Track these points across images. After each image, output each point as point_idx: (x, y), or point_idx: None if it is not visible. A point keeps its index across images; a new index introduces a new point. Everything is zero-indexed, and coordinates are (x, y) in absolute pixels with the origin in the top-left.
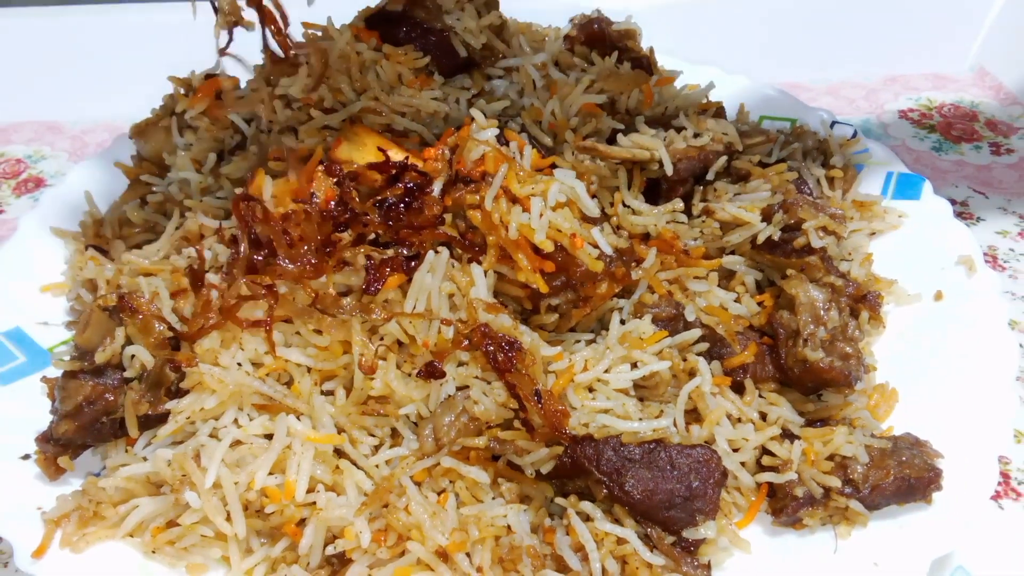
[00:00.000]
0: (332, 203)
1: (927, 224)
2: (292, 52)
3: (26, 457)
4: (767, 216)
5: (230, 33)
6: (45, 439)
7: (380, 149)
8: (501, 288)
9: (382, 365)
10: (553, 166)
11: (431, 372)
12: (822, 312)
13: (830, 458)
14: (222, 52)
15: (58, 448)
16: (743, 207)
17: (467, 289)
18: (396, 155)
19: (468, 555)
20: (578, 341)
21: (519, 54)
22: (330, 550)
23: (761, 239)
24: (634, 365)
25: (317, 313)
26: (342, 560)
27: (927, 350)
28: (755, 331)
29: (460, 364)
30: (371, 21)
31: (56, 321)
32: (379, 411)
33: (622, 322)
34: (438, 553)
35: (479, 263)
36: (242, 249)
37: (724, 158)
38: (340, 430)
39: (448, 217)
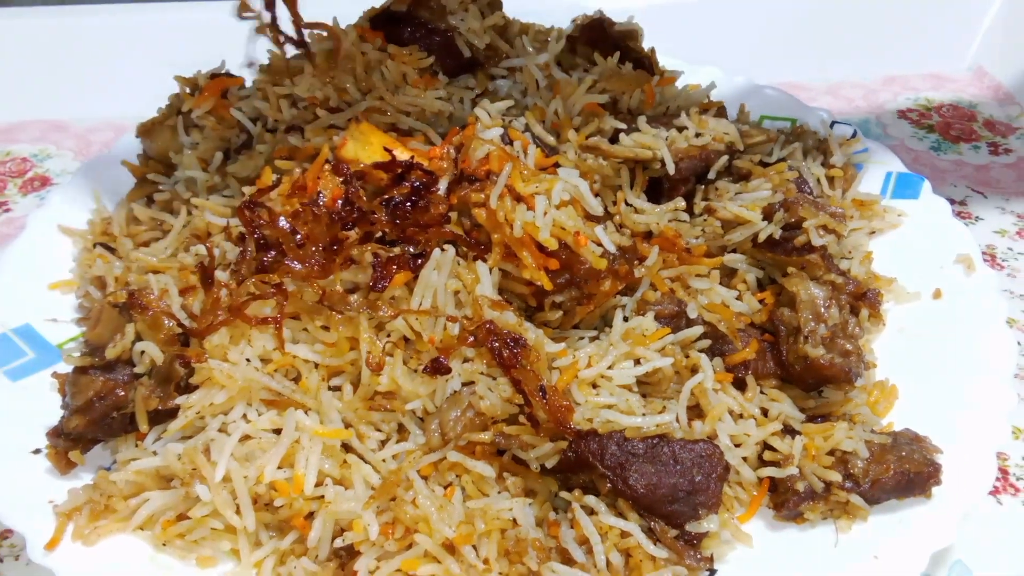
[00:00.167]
0: (339, 202)
1: (926, 223)
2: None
3: (37, 452)
4: (768, 215)
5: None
6: (56, 434)
7: (386, 149)
8: (506, 285)
9: (389, 361)
10: (556, 165)
11: (437, 368)
12: (822, 309)
13: (831, 453)
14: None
15: (69, 443)
16: (744, 206)
17: (472, 286)
18: (402, 154)
19: (475, 547)
20: (582, 338)
21: (522, 54)
22: (338, 543)
23: (762, 237)
24: (637, 361)
25: (325, 310)
26: (350, 552)
27: (926, 347)
28: (756, 328)
29: (466, 360)
30: (376, 21)
31: (65, 318)
32: (386, 406)
33: (625, 319)
34: (445, 545)
35: (484, 261)
36: (249, 252)
37: (725, 157)
38: (347, 425)
39: (454, 215)
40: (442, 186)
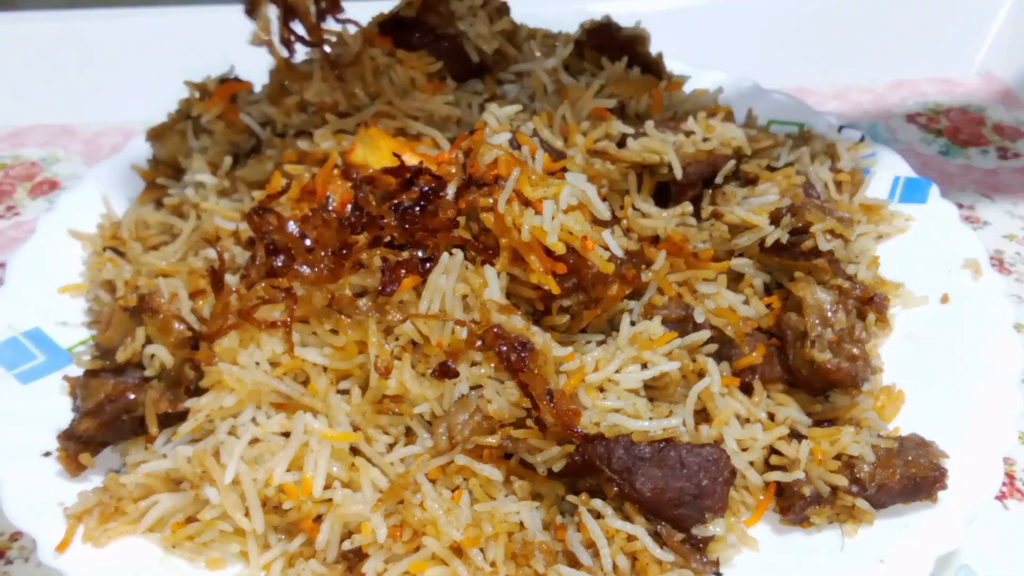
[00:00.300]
0: (348, 206)
1: (934, 228)
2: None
3: (47, 454)
4: (775, 219)
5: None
6: (67, 436)
7: (395, 154)
8: (514, 289)
9: (397, 365)
10: (564, 170)
11: (445, 372)
12: (829, 314)
13: (837, 457)
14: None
15: (79, 445)
16: (752, 210)
17: (480, 290)
18: (411, 159)
19: (482, 550)
20: (589, 342)
21: (530, 59)
22: (346, 545)
23: (769, 242)
24: (644, 366)
25: (334, 314)
26: (358, 555)
27: (933, 352)
28: (763, 333)
29: (473, 364)
30: (385, 27)
31: (74, 321)
32: (394, 410)
33: (632, 323)
34: (453, 548)
35: (492, 265)
36: (258, 257)
37: (733, 162)
38: (356, 428)
39: (462, 220)
40: (450, 191)
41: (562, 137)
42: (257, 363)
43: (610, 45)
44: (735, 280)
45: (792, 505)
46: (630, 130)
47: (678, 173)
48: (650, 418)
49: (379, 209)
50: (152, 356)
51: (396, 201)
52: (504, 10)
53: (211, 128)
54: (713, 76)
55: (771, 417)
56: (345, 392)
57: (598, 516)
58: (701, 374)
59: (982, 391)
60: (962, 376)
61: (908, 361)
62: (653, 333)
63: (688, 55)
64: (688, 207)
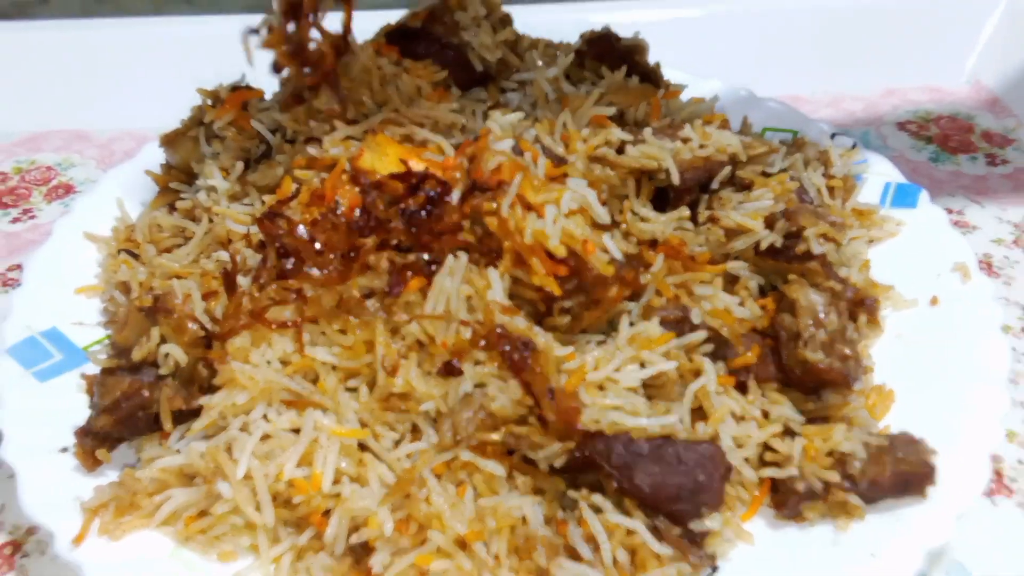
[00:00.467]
0: (356, 211)
1: (924, 232)
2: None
3: (64, 450)
4: (770, 224)
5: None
6: (84, 433)
7: (401, 160)
8: (516, 291)
9: (403, 364)
10: (565, 175)
11: (450, 370)
12: (822, 315)
13: (830, 454)
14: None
15: (96, 441)
16: (747, 215)
17: (484, 292)
18: (417, 165)
19: (486, 544)
20: (589, 342)
21: (532, 68)
22: (354, 539)
23: (764, 245)
24: (643, 365)
25: (342, 314)
26: (365, 548)
27: (923, 353)
28: (758, 333)
29: (477, 363)
30: (391, 37)
31: (90, 321)
32: (401, 407)
33: (631, 324)
34: (457, 542)
35: (496, 267)
36: (269, 260)
37: (728, 168)
38: (364, 425)
39: (466, 224)
40: (455, 195)
41: (563, 144)
42: (268, 362)
43: (610, 55)
44: (731, 282)
45: (786, 500)
46: (629, 137)
47: (676, 179)
48: (648, 416)
49: (386, 213)
50: (167, 355)
51: (403, 205)
52: (507, 21)
53: (223, 134)
54: (709, 85)
55: (765, 415)
56: (353, 390)
57: (598, 511)
58: (698, 373)
59: (970, 391)
60: (951, 376)
61: (898, 362)
62: (651, 333)
63: (685, 64)
64: (685, 212)
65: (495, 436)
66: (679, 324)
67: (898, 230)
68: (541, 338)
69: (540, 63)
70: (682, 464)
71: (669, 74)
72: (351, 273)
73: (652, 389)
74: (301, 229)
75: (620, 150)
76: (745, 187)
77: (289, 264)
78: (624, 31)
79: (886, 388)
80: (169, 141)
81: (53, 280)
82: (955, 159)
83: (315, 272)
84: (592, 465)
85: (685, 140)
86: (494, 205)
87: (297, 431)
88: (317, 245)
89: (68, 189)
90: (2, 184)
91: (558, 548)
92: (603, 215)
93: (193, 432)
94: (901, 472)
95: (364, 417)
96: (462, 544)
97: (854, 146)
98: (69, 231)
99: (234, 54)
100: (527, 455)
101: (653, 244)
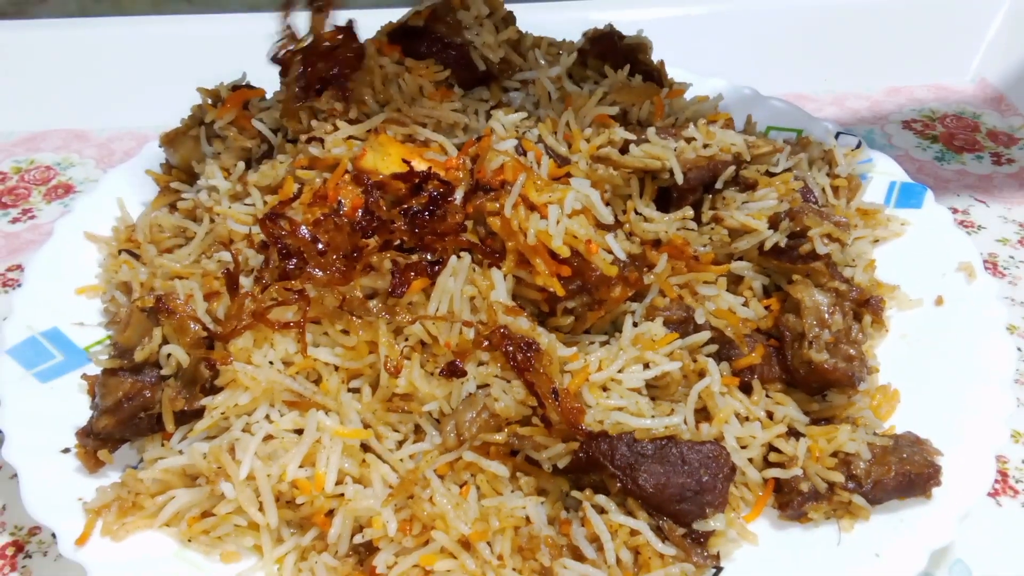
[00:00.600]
0: (359, 211)
1: (928, 232)
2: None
3: (66, 451)
4: (774, 223)
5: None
6: (85, 433)
7: (404, 160)
8: (519, 291)
9: (406, 364)
10: (568, 175)
11: (453, 371)
12: (826, 316)
13: (834, 455)
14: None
15: (98, 442)
16: (751, 215)
17: (487, 292)
18: (419, 165)
19: (489, 544)
20: (593, 342)
21: (535, 67)
22: (358, 539)
23: (768, 245)
24: (646, 365)
25: (345, 315)
26: (369, 548)
27: (928, 353)
28: (762, 334)
29: (481, 364)
30: (394, 36)
31: (91, 322)
32: (404, 408)
33: (635, 324)
34: (461, 542)
35: (499, 268)
36: (272, 260)
37: (732, 167)
38: (366, 426)
39: (469, 224)
40: (458, 196)
41: (566, 143)
42: (271, 362)
43: (613, 53)
44: (735, 283)
45: (790, 501)
46: (632, 136)
47: (679, 178)
48: (652, 416)
49: (389, 213)
50: (169, 355)
51: (406, 206)
52: (510, 20)
53: (224, 134)
54: (713, 83)
55: (770, 415)
56: (356, 391)
57: (602, 511)
58: (702, 374)
59: (975, 391)
60: (956, 376)
61: (903, 362)
62: (655, 334)
63: (689, 63)
64: (689, 211)
65: (498, 437)
66: (683, 324)
67: (903, 230)
68: (544, 339)
69: (543, 62)
70: (686, 465)
71: (672, 73)
72: (354, 274)
73: (656, 390)
74: (303, 230)
75: (623, 149)
76: (749, 187)
77: (292, 265)
78: (627, 29)
79: (891, 388)
80: (169, 140)
81: (54, 280)
82: (960, 158)
83: (318, 273)
84: (596, 465)
85: (689, 139)
86: (497, 205)
87: (300, 432)
88: (320, 246)
89: (68, 189)
90: (1, 184)
91: (561, 548)
92: (606, 215)
93: (196, 433)
94: (906, 472)
95: (367, 418)
96: (466, 544)
97: (859, 145)
98: (69, 231)
99: (234, 53)
100: (530, 455)
101: (656, 244)
